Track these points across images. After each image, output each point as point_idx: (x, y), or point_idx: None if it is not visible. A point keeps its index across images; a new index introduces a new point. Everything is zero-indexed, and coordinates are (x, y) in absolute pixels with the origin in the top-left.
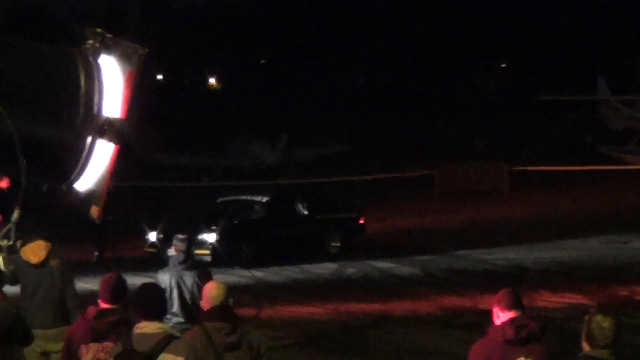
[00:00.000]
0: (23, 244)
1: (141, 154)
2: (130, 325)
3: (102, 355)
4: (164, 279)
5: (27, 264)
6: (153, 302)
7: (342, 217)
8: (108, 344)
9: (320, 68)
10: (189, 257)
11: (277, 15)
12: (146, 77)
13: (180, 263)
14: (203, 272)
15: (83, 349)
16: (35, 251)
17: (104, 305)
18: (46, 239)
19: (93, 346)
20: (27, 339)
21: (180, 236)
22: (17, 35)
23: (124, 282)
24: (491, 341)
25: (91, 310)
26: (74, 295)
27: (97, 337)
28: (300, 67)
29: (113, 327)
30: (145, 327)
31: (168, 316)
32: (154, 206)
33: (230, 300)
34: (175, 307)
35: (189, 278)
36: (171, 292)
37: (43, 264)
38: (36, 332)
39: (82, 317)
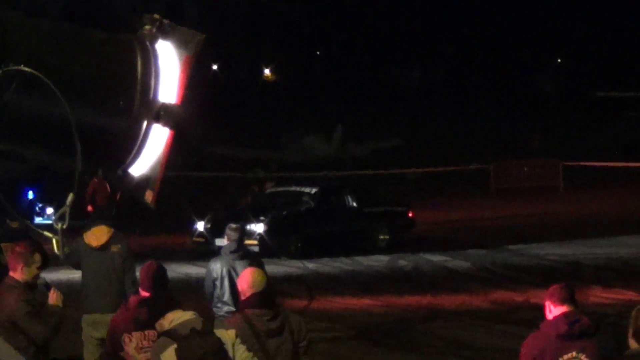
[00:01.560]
0: (86, 229)
1: (197, 146)
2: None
3: (145, 343)
4: (216, 268)
5: (89, 247)
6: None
7: (391, 211)
8: (151, 332)
9: (376, 61)
10: (241, 247)
11: (333, 7)
12: (202, 68)
13: (231, 252)
14: (255, 261)
15: (126, 338)
16: (96, 235)
17: (144, 294)
18: (108, 225)
19: (136, 335)
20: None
21: (233, 225)
22: (74, 24)
23: (164, 270)
24: (544, 336)
25: (133, 299)
26: (133, 283)
27: (140, 326)
28: (356, 59)
29: (156, 316)
30: (181, 317)
31: (219, 305)
32: (206, 197)
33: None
34: (226, 296)
35: (240, 267)
36: (222, 281)
37: (103, 248)
38: (94, 316)
39: (125, 306)
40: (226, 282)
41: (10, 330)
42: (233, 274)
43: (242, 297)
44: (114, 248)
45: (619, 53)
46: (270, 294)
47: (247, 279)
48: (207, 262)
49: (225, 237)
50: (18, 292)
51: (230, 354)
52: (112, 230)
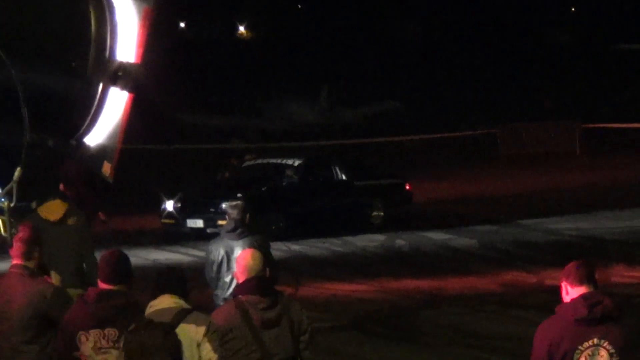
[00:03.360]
0: (39, 204)
1: (164, 114)
2: (137, 309)
3: (104, 343)
4: (214, 250)
5: (46, 222)
6: (174, 280)
7: (386, 184)
8: (111, 332)
9: (368, 14)
10: (240, 226)
11: None
12: (168, 25)
13: (228, 232)
14: (257, 241)
15: (82, 336)
16: (52, 210)
17: (104, 287)
18: (62, 198)
19: (93, 333)
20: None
21: (233, 202)
22: None
23: (127, 260)
24: (560, 321)
25: (91, 292)
26: (93, 263)
27: (99, 323)
28: (344, 12)
29: (118, 312)
30: (160, 304)
31: (217, 292)
32: (175, 172)
33: (267, 271)
34: (223, 282)
35: (239, 249)
36: (220, 265)
37: (61, 222)
38: None
39: (82, 300)
40: (224, 267)
41: (38, 326)
42: (231, 256)
43: (238, 282)
44: (70, 221)
45: None
46: (267, 280)
47: (241, 262)
48: (177, 247)
49: (227, 215)
50: (36, 277)
51: (194, 353)
52: (67, 204)
